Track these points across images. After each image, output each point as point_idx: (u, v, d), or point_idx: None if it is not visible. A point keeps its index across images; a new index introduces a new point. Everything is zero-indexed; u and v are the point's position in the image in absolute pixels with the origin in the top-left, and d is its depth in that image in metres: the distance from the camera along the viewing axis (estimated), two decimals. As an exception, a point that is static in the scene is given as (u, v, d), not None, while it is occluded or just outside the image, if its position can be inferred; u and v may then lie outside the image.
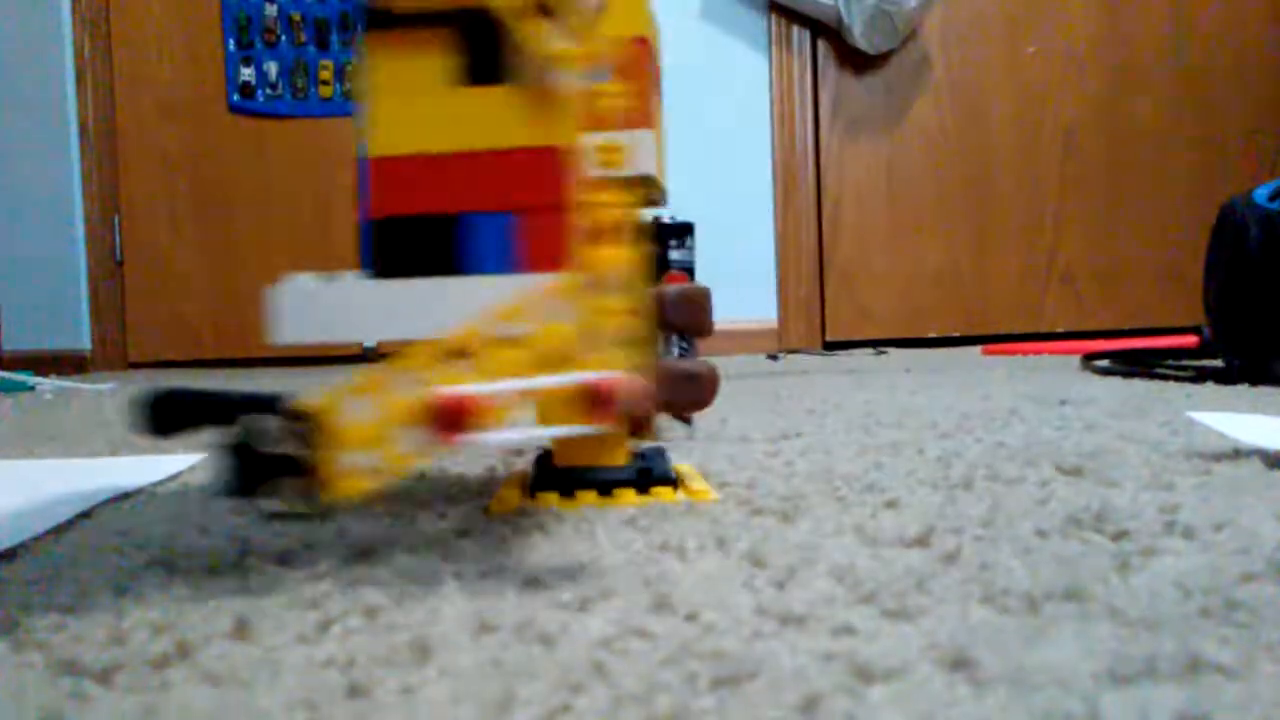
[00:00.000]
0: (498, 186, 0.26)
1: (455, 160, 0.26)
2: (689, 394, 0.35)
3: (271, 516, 0.24)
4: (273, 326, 0.26)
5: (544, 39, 0.25)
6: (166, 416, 0.24)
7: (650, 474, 0.36)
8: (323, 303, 0.25)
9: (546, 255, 0.25)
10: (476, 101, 0.26)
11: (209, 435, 0.25)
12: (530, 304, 0.24)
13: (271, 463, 0.24)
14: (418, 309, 0.26)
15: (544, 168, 0.26)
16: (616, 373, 0.24)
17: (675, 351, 0.38)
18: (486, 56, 0.26)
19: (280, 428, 0.24)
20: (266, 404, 0.24)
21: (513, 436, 0.24)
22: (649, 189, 0.34)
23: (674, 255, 0.36)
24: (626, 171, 0.33)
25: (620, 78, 0.32)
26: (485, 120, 0.26)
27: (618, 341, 0.25)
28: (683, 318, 0.35)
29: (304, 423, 0.24)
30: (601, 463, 0.35)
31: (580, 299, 0.24)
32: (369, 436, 0.24)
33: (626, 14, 0.33)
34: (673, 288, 0.35)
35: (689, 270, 0.35)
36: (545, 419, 0.26)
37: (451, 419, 0.23)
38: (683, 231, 0.36)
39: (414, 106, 0.25)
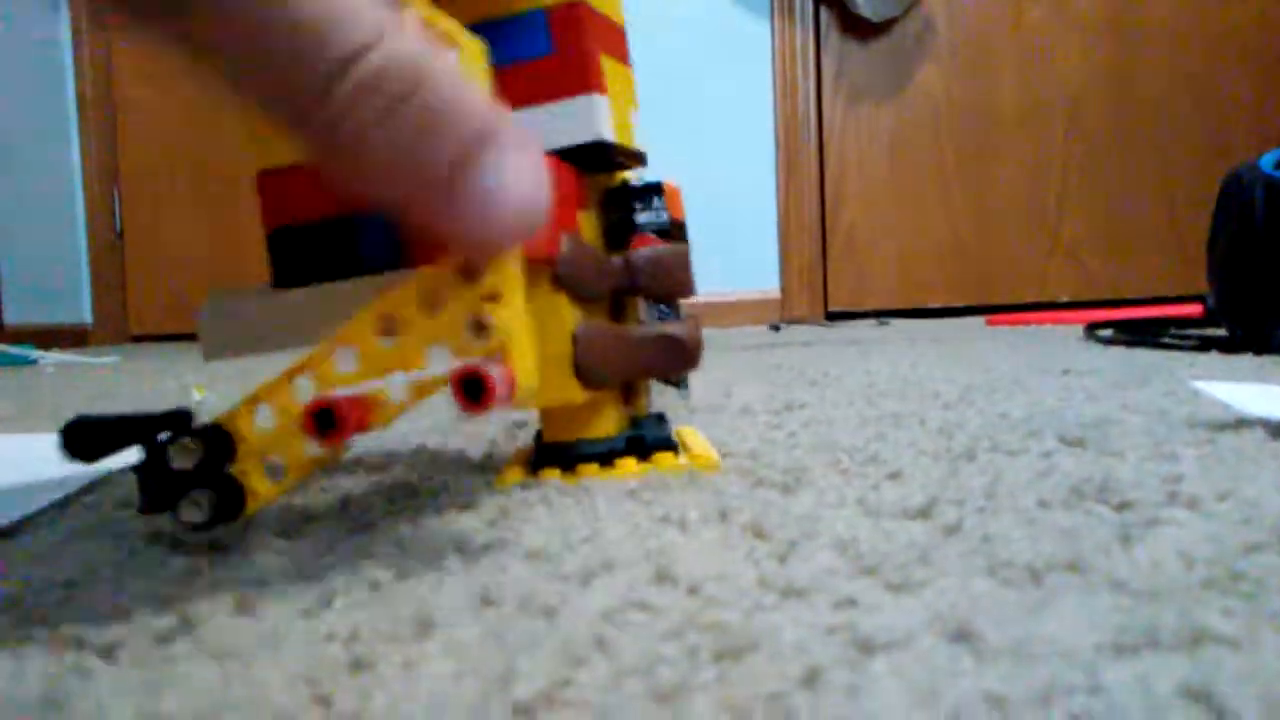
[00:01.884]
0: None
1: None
2: (669, 357, 0.34)
3: (193, 528, 0.25)
4: (201, 345, 0.26)
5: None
6: (83, 443, 0.26)
7: (644, 441, 0.35)
8: (237, 318, 0.25)
9: (436, 248, 0.25)
10: None
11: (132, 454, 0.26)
12: (406, 296, 0.24)
13: (183, 478, 0.25)
14: (324, 315, 0.26)
15: None
16: (491, 361, 0.23)
17: (655, 315, 0.38)
18: None
19: (190, 443, 0.25)
20: (176, 420, 0.25)
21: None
22: (613, 155, 0.33)
23: (641, 219, 0.35)
24: (565, 141, 0.32)
25: (556, 42, 0.32)
26: None
27: (489, 329, 0.24)
28: (655, 281, 0.35)
29: (212, 435, 0.25)
30: (592, 434, 0.35)
31: (455, 286, 0.24)
32: (272, 443, 0.25)
33: None
34: (642, 251, 0.35)
35: (662, 232, 0.35)
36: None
37: (327, 422, 0.23)
38: (649, 192, 0.35)
39: None
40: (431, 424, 0.53)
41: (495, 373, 0.22)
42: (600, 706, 0.16)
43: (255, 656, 0.19)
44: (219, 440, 0.25)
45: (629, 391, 0.37)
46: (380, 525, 0.29)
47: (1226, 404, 0.48)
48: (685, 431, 0.42)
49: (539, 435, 0.36)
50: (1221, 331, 0.88)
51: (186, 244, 2.19)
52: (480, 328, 0.23)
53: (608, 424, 0.35)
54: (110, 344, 2.07)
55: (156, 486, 0.25)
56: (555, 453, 0.35)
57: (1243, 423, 0.42)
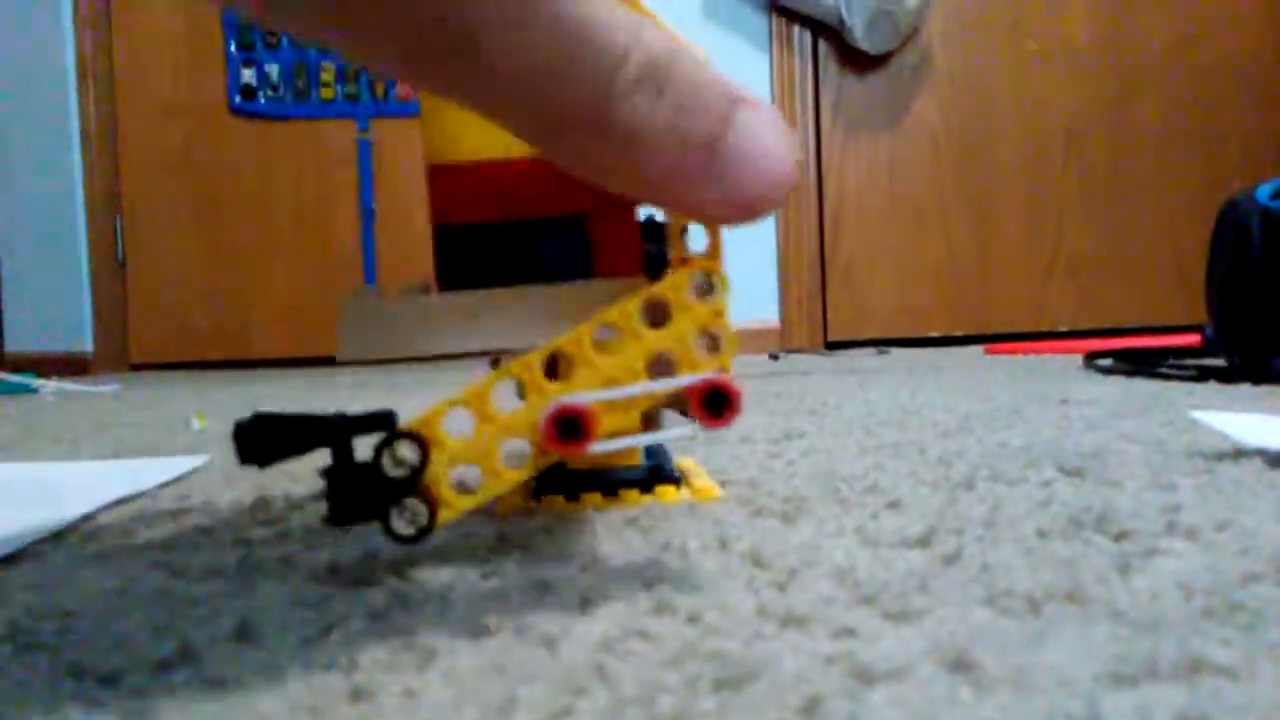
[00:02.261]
0: (567, 192, 0.26)
1: (523, 166, 0.25)
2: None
3: (403, 541, 0.23)
4: (338, 344, 0.24)
5: None
6: (259, 444, 0.22)
7: (659, 472, 0.35)
8: (379, 320, 0.24)
9: (618, 260, 0.25)
10: None
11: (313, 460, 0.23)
12: (631, 307, 0.24)
13: (392, 486, 0.23)
14: (495, 319, 0.25)
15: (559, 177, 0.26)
16: (725, 374, 0.23)
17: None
18: None
19: (406, 447, 0.23)
20: (370, 423, 0.23)
21: (633, 441, 0.24)
22: None
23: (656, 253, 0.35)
24: None
25: None
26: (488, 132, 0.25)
27: (719, 342, 0.24)
28: None
29: (411, 441, 0.23)
30: (616, 463, 0.35)
31: (683, 300, 0.24)
32: (474, 452, 0.23)
33: None
34: None
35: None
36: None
37: (571, 429, 0.23)
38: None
39: (466, 118, 0.24)
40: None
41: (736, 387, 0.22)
42: (600, 736, 0.16)
43: (255, 685, 0.19)
44: (417, 447, 0.23)
45: (647, 420, 0.38)
46: (380, 553, 0.29)
47: (1225, 434, 0.48)
48: (684, 463, 0.42)
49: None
50: (1220, 361, 0.88)
51: (188, 274, 2.19)
52: (713, 342, 0.24)
53: (632, 454, 0.35)
54: (111, 372, 2.07)
55: (355, 495, 0.23)
56: (561, 479, 0.35)
57: (1241, 453, 0.42)
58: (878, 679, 0.18)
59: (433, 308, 0.25)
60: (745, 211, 0.22)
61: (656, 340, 0.24)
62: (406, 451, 0.23)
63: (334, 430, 0.22)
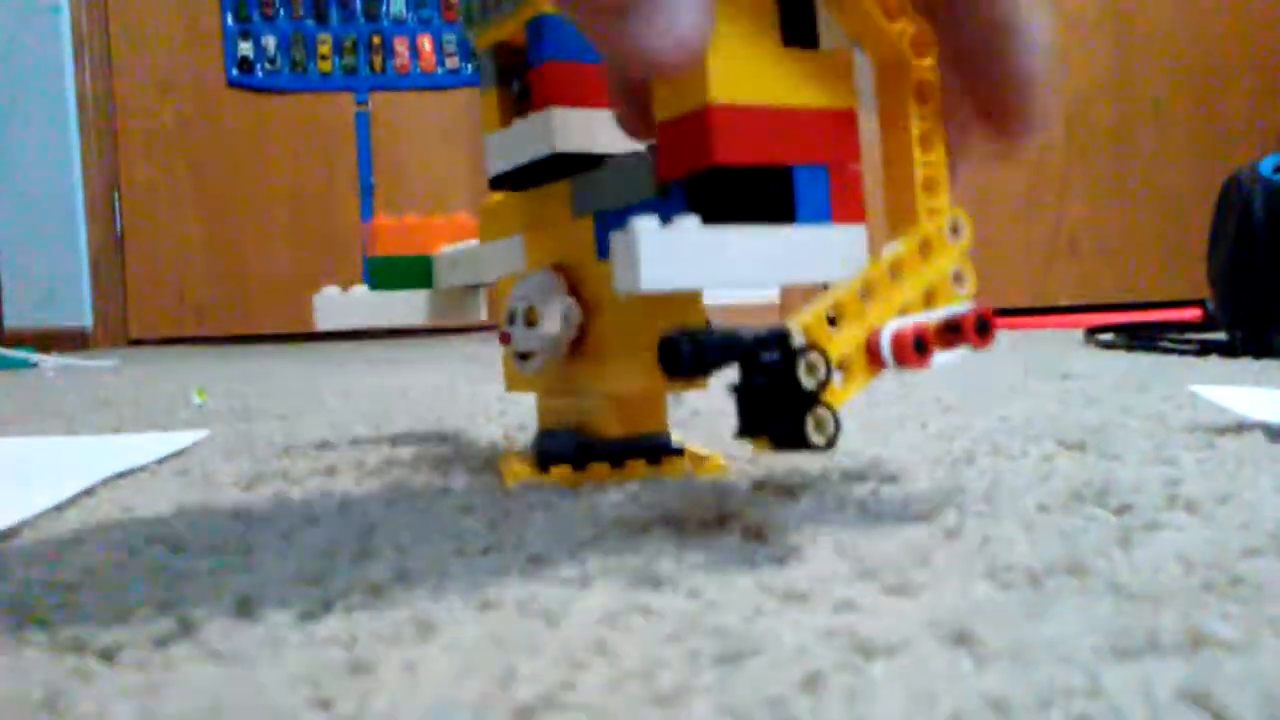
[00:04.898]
0: (818, 142, 0.27)
1: (786, 115, 0.27)
2: None
3: (819, 449, 0.24)
4: (627, 274, 0.24)
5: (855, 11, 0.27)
6: (683, 359, 0.23)
7: (665, 445, 0.36)
8: (680, 248, 0.24)
9: (852, 207, 0.28)
10: (798, 61, 0.27)
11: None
12: (911, 245, 0.27)
13: (805, 398, 0.24)
14: (760, 256, 0.26)
15: (848, 127, 0.28)
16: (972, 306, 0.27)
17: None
18: (804, 21, 0.27)
19: (818, 360, 0.24)
20: (779, 339, 0.24)
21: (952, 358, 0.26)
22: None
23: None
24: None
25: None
26: (806, 80, 0.27)
27: (964, 277, 0.28)
28: None
29: (819, 353, 0.24)
30: (649, 429, 0.36)
31: (943, 240, 0.28)
32: (844, 359, 0.26)
33: None
34: None
35: None
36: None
37: (922, 345, 0.26)
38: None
39: (751, 59, 0.26)
40: (433, 427, 0.53)
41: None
42: (601, 710, 0.16)
43: (256, 659, 0.19)
44: (819, 359, 0.24)
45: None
46: (381, 527, 0.29)
47: (1226, 408, 0.48)
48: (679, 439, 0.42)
49: (543, 433, 0.37)
50: (1221, 336, 0.88)
51: (187, 249, 2.19)
52: (960, 278, 0.28)
53: (660, 419, 0.36)
54: (111, 347, 2.07)
55: (771, 407, 0.24)
56: (568, 450, 0.35)
57: (1242, 427, 0.42)
58: (878, 653, 0.18)
59: (718, 241, 0.26)
60: (643, 61, 0.23)
61: (929, 274, 0.28)
62: (819, 362, 0.24)
63: (746, 346, 0.24)
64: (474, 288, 0.45)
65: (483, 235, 0.41)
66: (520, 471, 0.35)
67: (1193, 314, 1.18)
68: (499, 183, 0.36)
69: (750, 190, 0.26)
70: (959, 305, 0.28)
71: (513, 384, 0.40)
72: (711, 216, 0.25)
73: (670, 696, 0.17)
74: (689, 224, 0.25)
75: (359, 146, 2.20)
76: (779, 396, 0.24)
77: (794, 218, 0.27)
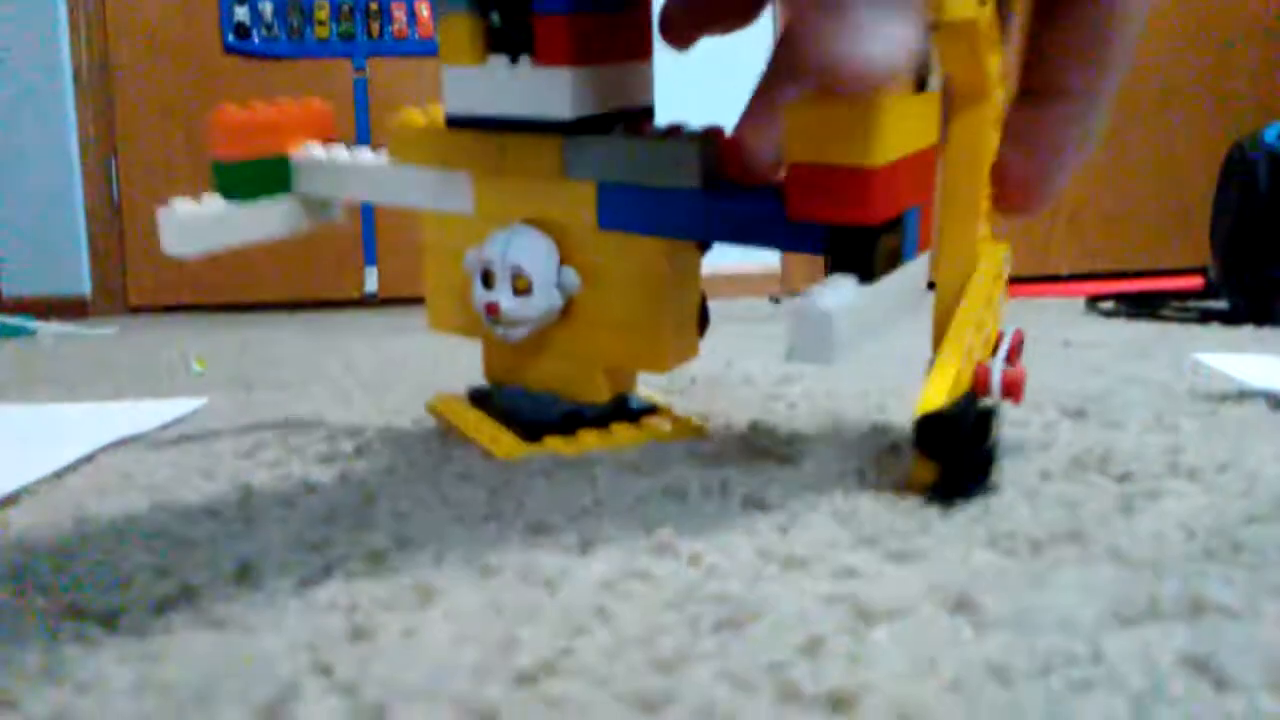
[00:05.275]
0: (924, 183, 0.29)
1: (910, 162, 0.28)
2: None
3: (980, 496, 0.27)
4: (815, 350, 0.25)
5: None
6: (944, 437, 0.26)
7: (627, 406, 0.36)
8: (858, 319, 0.26)
9: (925, 237, 0.30)
10: (914, 104, 0.28)
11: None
12: (991, 280, 0.29)
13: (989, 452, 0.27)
14: (894, 301, 0.28)
15: (932, 164, 0.29)
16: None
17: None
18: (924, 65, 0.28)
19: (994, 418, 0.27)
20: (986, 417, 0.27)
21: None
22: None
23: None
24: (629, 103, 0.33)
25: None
26: (919, 123, 0.28)
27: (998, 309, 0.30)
28: None
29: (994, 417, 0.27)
30: (624, 389, 0.36)
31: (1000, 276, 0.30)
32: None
33: None
34: None
35: None
36: None
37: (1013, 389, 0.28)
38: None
39: (896, 110, 0.26)
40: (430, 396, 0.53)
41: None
42: (601, 675, 0.16)
43: (255, 626, 0.19)
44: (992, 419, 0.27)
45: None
46: (381, 495, 0.29)
47: (1228, 376, 0.48)
48: (651, 396, 0.41)
49: (517, 395, 0.36)
50: (1223, 304, 0.88)
51: (184, 215, 2.18)
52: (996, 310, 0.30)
53: (632, 379, 0.36)
54: (109, 315, 2.07)
55: (971, 464, 0.27)
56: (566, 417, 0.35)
57: (1244, 394, 0.42)
58: (879, 619, 0.18)
59: (874, 297, 0.28)
60: (832, 75, 0.23)
61: (995, 314, 0.30)
62: (995, 421, 0.27)
63: (985, 418, 0.27)
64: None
65: (398, 152, 0.37)
66: (511, 445, 0.34)
67: (1194, 282, 1.18)
68: (459, 123, 0.34)
69: (891, 242, 0.28)
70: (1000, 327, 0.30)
71: (442, 323, 0.38)
72: (866, 275, 0.26)
73: (670, 662, 0.17)
74: (850, 287, 0.26)
75: (357, 113, 2.18)
76: (980, 460, 0.27)
77: (902, 258, 0.28)
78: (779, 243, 0.29)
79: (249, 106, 0.39)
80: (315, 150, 0.39)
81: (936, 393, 0.26)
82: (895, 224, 0.27)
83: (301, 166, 0.39)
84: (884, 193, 0.26)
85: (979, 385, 0.27)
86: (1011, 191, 0.29)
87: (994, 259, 0.30)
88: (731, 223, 0.30)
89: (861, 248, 0.27)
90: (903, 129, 0.27)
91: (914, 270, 0.29)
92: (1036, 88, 0.29)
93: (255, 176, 0.39)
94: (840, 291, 0.25)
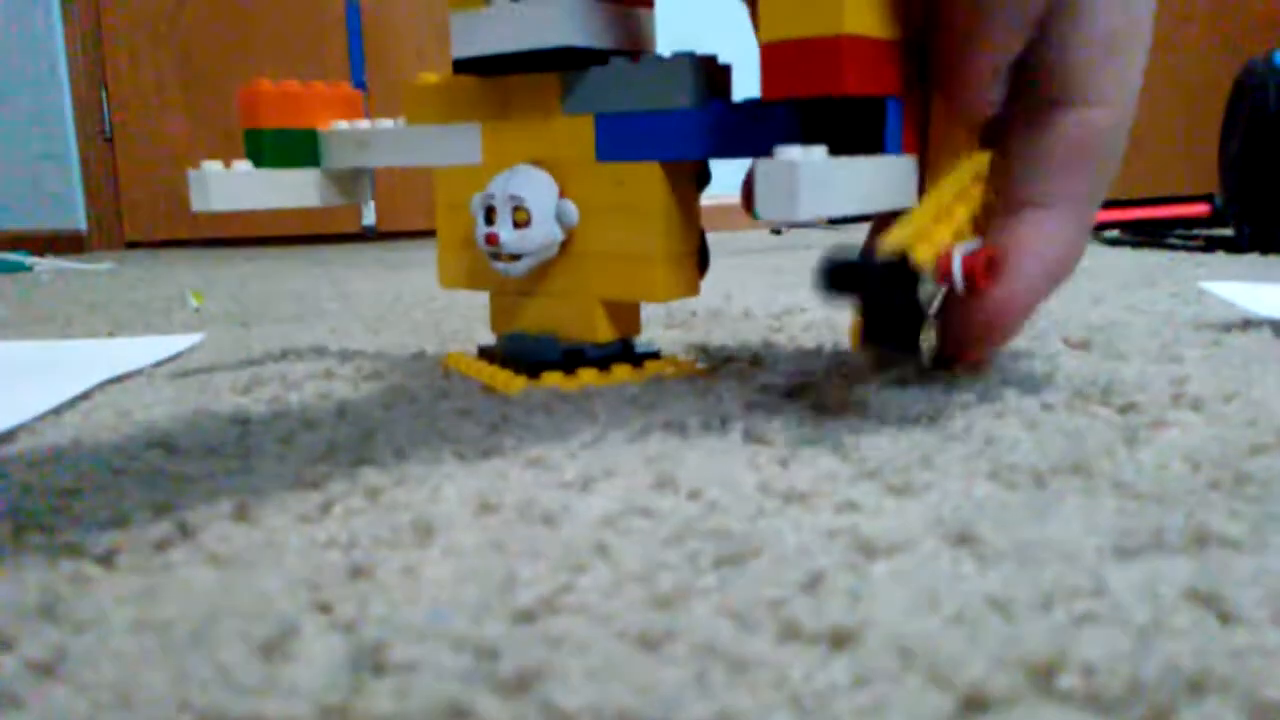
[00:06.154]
0: (898, 74, 0.28)
1: (883, 46, 0.27)
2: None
3: (929, 359, 0.28)
4: (780, 204, 0.25)
5: None
6: (840, 280, 0.26)
7: (632, 350, 0.36)
8: (826, 179, 0.25)
9: (910, 138, 0.29)
10: None
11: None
12: (964, 177, 0.29)
13: (918, 312, 0.26)
14: (869, 185, 0.27)
15: (903, 58, 0.28)
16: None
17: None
18: None
19: (932, 284, 0.26)
20: (901, 263, 0.25)
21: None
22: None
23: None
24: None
25: None
26: (889, 10, 0.27)
27: (977, 218, 0.29)
28: None
29: (925, 275, 0.26)
30: (628, 332, 0.36)
31: (980, 176, 0.30)
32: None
33: None
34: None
35: None
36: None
37: (993, 270, 0.28)
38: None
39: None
40: (429, 330, 0.53)
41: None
42: (601, 612, 0.16)
43: (254, 563, 0.19)
44: (925, 277, 0.26)
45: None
46: (379, 431, 0.29)
47: (1233, 304, 0.47)
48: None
49: (516, 337, 0.36)
50: (1229, 231, 0.87)
51: (178, 146, 2.15)
52: (989, 211, 0.29)
53: (637, 322, 0.36)
54: (106, 250, 2.05)
55: (896, 321, 0.27)
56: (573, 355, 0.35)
57: (1250, 323, 0.41)
58: (880, 553, 0.18)
59: (842, 172, 0.27)
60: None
61: (973, 203, 0.29)
62: (932, 287, 0.26)
63: (888, 272, 0.25)
64: (362, 169, 0.42)
65: (412, 116, 0.38)
66: (511, 381, 0.34)
67: (1200, 210, 1.16)
68: (466, 67, 0.34)
69: (865, 120, 0.27)
70: (973, 242, 0.29)
71: (451, 279, 0.39)
72: (836, 147, 0.26)
73: (671, 598, 0.17)
74: (819, 151, 0.25)
75: (350, 44, 2.14)
76: (902, 311, 0.26)
77: (884, 148, 0.27)
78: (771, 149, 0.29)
79: (282, 84, 0.41)
80: (341, 124, 0.41)
81: (896, 236, 0.26)
82: (868, 105, 0.27)
83: (329, 141, 0.41)
84: (854, 63, 0.26)
85: (940, 270, 0.27)
86: (981, 317, 0.29)
87: (977, 161, 0.30)
88: (725, 136, 0.30)
89: (828, 116, 0.27)
90: (875, 7, 0.27)
91: (897, 164, 0.28)
92: (1019, 196, 0.29)
93: (285, 145, 0.40)
94: (808, 151, 0.25)
